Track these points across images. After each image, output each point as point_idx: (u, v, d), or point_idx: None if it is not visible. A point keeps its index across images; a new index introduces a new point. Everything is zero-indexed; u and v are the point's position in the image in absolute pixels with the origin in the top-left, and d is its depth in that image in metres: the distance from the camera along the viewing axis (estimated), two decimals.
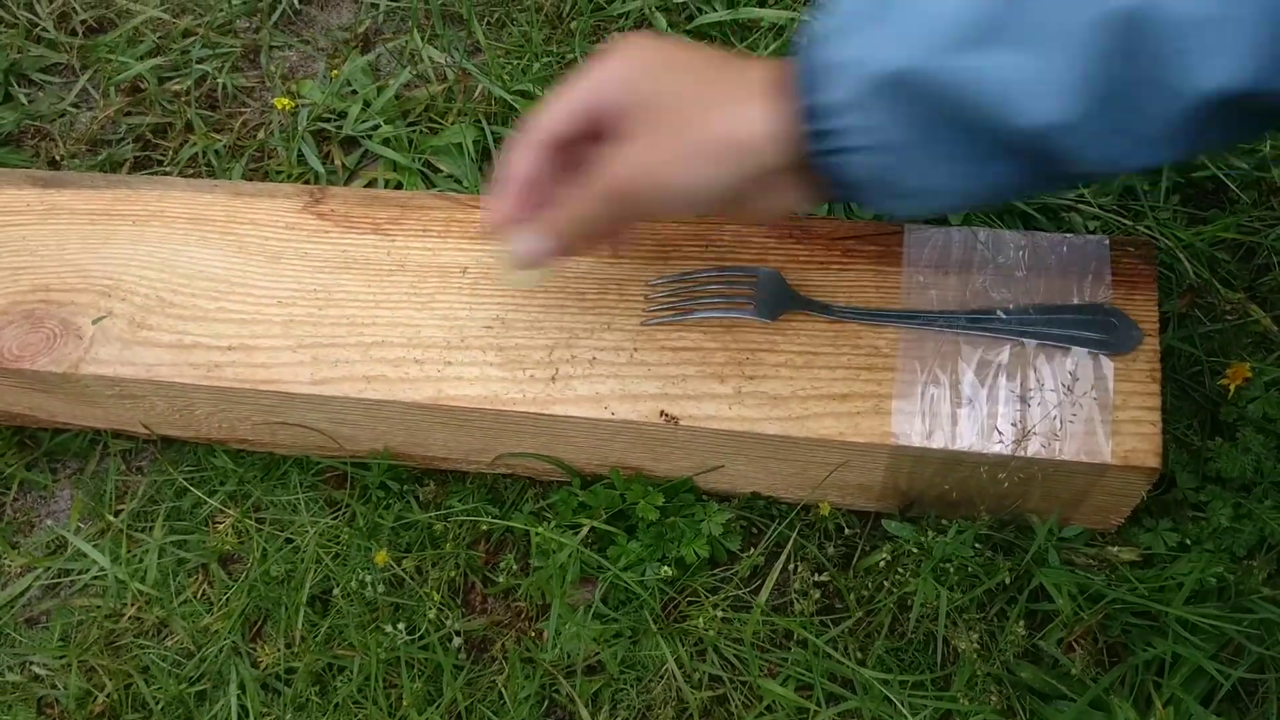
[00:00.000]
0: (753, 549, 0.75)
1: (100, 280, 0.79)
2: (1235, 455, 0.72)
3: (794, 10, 0.87)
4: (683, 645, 0.73)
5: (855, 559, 0.75)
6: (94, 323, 0.77)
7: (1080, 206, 0.81)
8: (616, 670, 0.74)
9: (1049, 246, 0.72)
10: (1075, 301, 0.70)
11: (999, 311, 0.70)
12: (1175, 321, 0.78)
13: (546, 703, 0.74)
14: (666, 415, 0.70)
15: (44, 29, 1.01)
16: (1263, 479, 0.71)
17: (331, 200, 0.80)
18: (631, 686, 0.73)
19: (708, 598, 0.74)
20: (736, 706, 0.72)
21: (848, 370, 0.70)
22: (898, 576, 0.71)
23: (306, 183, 0.91)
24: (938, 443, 0.67)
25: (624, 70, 0.57)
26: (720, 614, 0.73)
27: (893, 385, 0.69)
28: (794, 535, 0.75)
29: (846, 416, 0.69)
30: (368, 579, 0.75)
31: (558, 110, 0.59)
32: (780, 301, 0.71)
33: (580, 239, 0.62)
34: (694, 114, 0.54)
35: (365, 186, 0.90)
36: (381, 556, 0.75)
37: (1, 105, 0.99)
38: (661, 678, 0.73)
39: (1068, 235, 0.72)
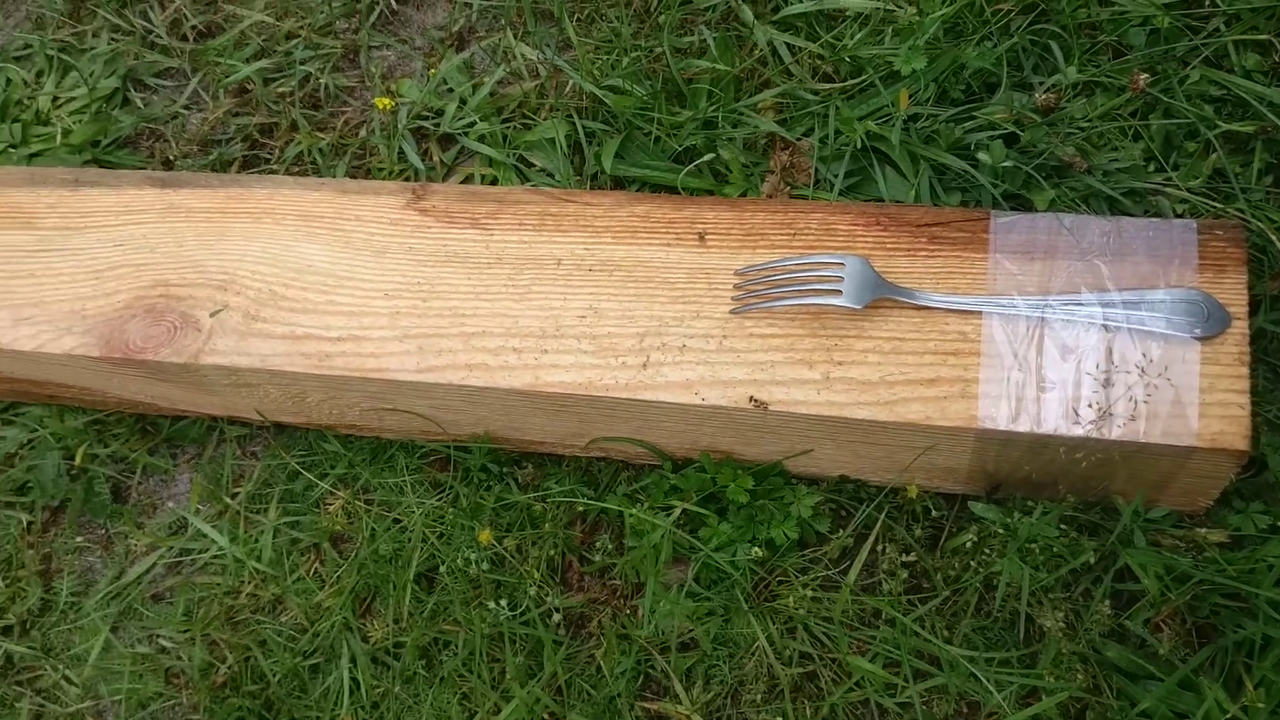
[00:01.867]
0: (841, 530, 0.77)
1: (216, 275, 0.83)
2: None
3: (879, 1, 0.88)
4: (773, 623, 0.76)
5: (942, 540, 0.76)
6: (211, 316, 0.82)
7: (1168, 190, 0.81)
8: (710, 647, 0.76)
9: (1135, 231, 0.72)
10: (1162, 285, 0.70)
11: (1084, 296, 0.70)
12: (1267, 304, 0.77)
13: (642, 677, 0.77)
14: (755, 401, 0.72)
15: (158, 35, 1.06)
16: None
17: (432, 196, 0.84)
18: (724, 663, 0.76)
19: (797, 578, 0.76)
20: (826, 682, 0.74)
21: (935, 355, 0.71)
22: (984, 557, 0.73)
23: (407, 179, 0.94)
24: (1023, 426, 0.68)
25: None
26: (810, 593, 0.75)
27: (979, 370, 0.70)
28: (882, 517, 0.77)
29: (933, 401, 0.70)
30: (472, 557, 0.78)
31: None
32: (867, 288, 0.73)
33: None
34: None
35: (463, 182, 0.93)
36: (485, 535, 0.78)
37: (120, 109, 1.04)
38: (753, 654, 0.75)
39: (1154, 219, 0.73)
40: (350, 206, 0.84)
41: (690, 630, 0.77)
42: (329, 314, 0.80)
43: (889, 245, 0.75)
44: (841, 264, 0.73)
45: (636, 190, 0.89)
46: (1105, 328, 0.70)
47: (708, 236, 0.78)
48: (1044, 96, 0.82)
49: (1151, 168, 0.82)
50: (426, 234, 0.82)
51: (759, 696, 0.74)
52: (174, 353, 0.81)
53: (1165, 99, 0.82)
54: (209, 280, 0.83)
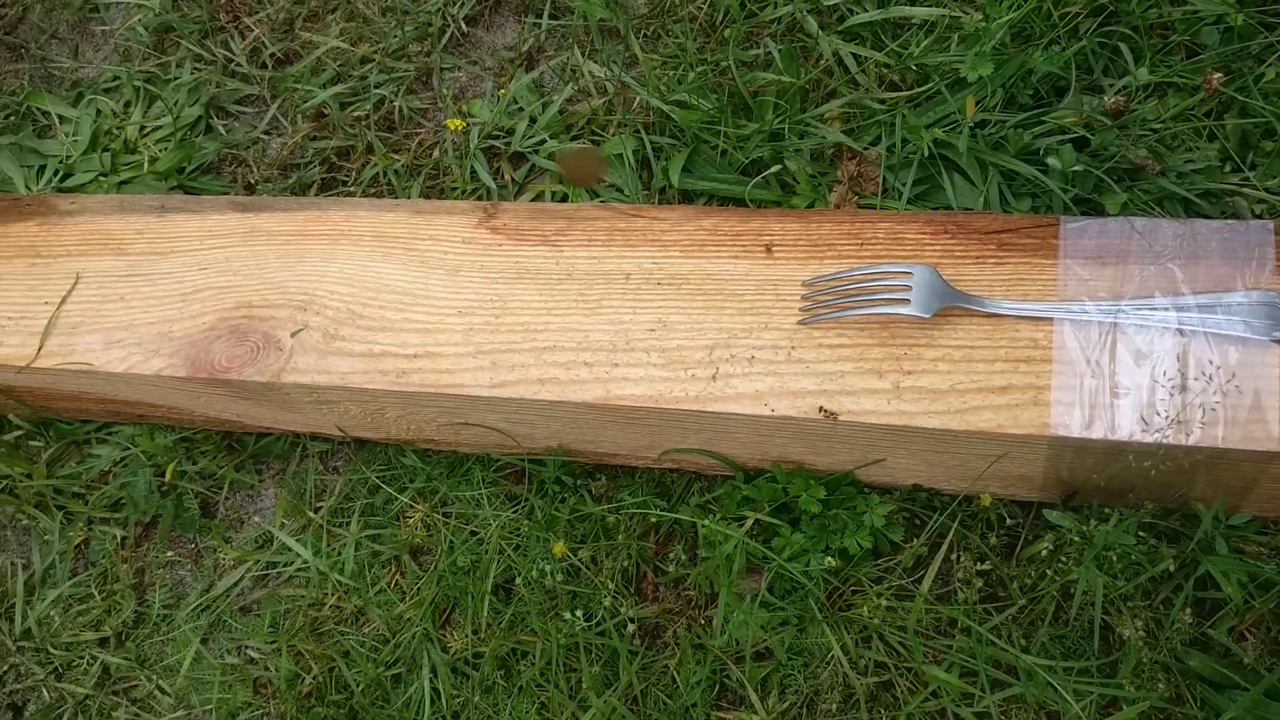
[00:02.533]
0: (915, 539, 0.77)
1: (296, 296, 0.86)
2: None
3: (944, 8, 0.88)
4: (848, 633, 0.76)
5: (1018, 549, 0.76)
6: (292, 335, 0.84)
7: (1245, 190, 0.79)
8: (784, 657, 0.76)
9: (1209, 233, 0.71)
10: (1238, 288, 0.69)
11: (1158, 301, 0.70)
12: None
13: (717, 687, 0.78)
14: (825, 411, 0.72)
15: (238, 64, 1.10)
16: None
17: (503, 215, 0.85)
18: (799, 672, 0.76)
19: (871, 587, 0.76)
20: (902, 692, 0.74)
21: (1006, 363, 0.71)
22: (1060, 565, 0.72)
23: (479, 198, 0.96)
24: (1097, 433, 0.68)
25: None
26: (884, 603, 0.75)
27: (1051, 377, 0.70)
28: (955, 525, 0.77)
29: (1005, 409, 0.70)
30: (547, 568, 0.79)
31: None
32: (936, 297, 0.73)
33: None
34: None
35: (534, 200, 0.95)
36: (560, 548, 0.79)
37: (203, 136, 1.08)
38: (828, 664, 0.75)
39: (1228, 221, 0.72)
40: (424, 226, 0.86)
41: (764, 640, 0.77)
42: (405, 331, 0.82)
43: (957, 253, 0.75)
44: (909, 273, 0.73)
45: (704, 204, 0.90)
46: (1180, 332, 0.69)
47: (775, 248, 0.78)
48: (1114, 99, 0.82)
49: (1228, 168, 0.81)
50: (498, 252, 0.84)
51: (834, 706, 0.74)
52: (257, 372, 0.84)
53: (1241, 98, 0.81)
54: (289, 301, 0.86)
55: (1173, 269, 0.71)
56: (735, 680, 0.77)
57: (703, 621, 0.80)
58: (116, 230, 0.93)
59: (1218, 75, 0.80)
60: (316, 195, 1.01)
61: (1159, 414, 0.67)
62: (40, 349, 0.89)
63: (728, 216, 0.81)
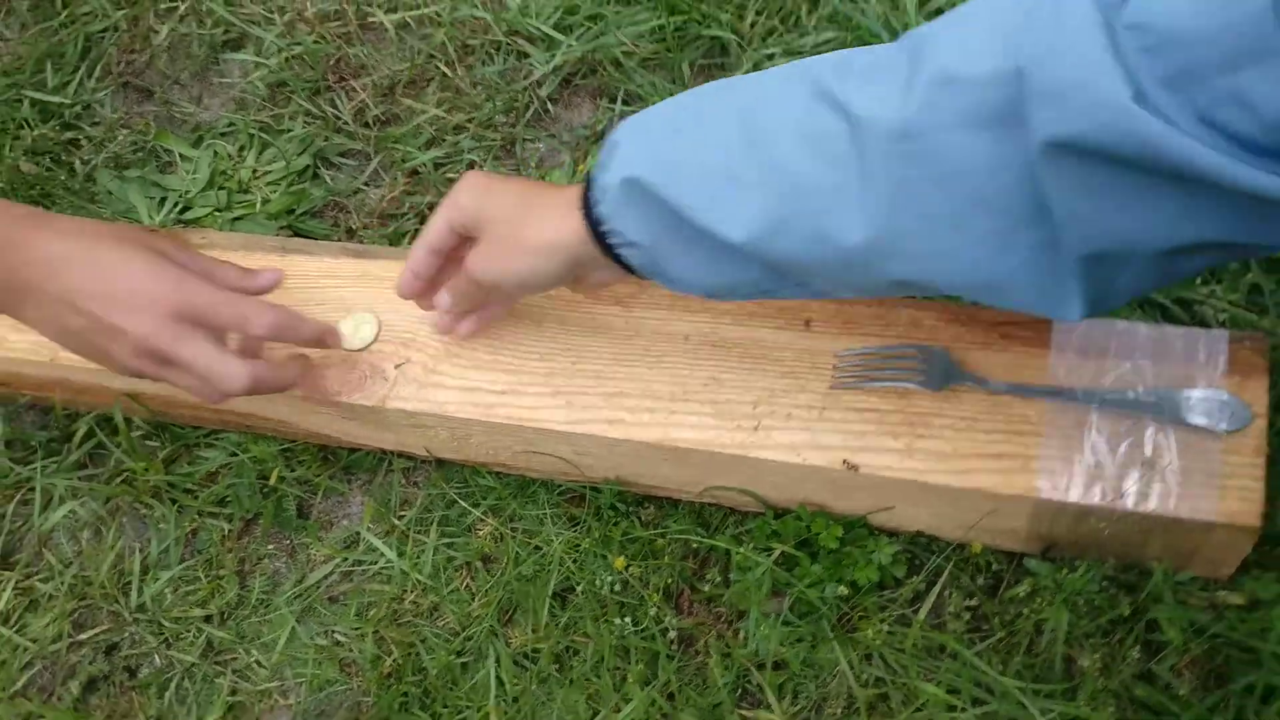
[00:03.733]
0: (915, 577, 0.92)
1: (402, 333, 1.01)
2: None
3: None
4: (853, 651, 0.90)
5: (1001, 590, 0.90)
6: (396, 368, 0.99)
7: (1211, 301, 0.95)
8: (798, 668, 0.91)
9: (1175, 337, 0.86)
10: (1196, 385, 0.84)
11: (1130, 391, 0.84)
12: None
13: (741, 690, 0.92)
14: (848, 464, 0.87)
15: (344, 121, 1.25)
16: None
17: None
18: (810, 681, 0.90)
19: (876, 614, 0.91)
20: (896, 704, 0.88)
21: (1002, 434, 0.86)
22: (1035, 605, 0.87)
23: None
24: (1073, 497, 0.83)
25: (467, 198, 0.85)
26: (886, 628, 0.90)
27: (1038, 448, 0.85)
28: (949, 567, 0.91)
29: (999, 473, 0.85)
30: (606, 579, 0.94)
31: (429, 229, 0.89)
32: (947, 374, 0.87)
33: (465, 306, 0.94)
34: (519, 224, 0.81)
35: None
36: (620, 562, 0.94)
37: (311, 183, 1.23)
38: (835, 676, 0.90)
39: (1192, 329, 0.87)
40: None
41: (783, 653, 0.92)
42: (494, 370, 0.97)
43: (966, 339, 0.90)
44: (925, 353, 0.88)
45: None
46: (1146, 419, 0.83)
47: (813, 323, 0.93)
48: None
49: (1199, 280, 0.96)
50: (577, 308, 0.99)
51: (839, 711, 0.89)
52: (364, 397, 0.98)
53: None
54: (395, 337, 1.01)
55: (1144, 365, 0.86)
56: (756, 685, 0.91)
57: (731, 634, 0.94)
58: (245, 263, 1.08)
59: None
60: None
61: (1125, 485, 0.82)
62: None
63: None
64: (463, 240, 0.87)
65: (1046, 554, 0.90)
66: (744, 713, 0.91)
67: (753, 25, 1.17)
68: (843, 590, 0.91)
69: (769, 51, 1.14)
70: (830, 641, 0.91)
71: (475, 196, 0.84)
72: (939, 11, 1.08)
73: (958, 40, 0.63)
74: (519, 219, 0.81)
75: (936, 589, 0.91)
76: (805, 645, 0.92)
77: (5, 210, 0.90)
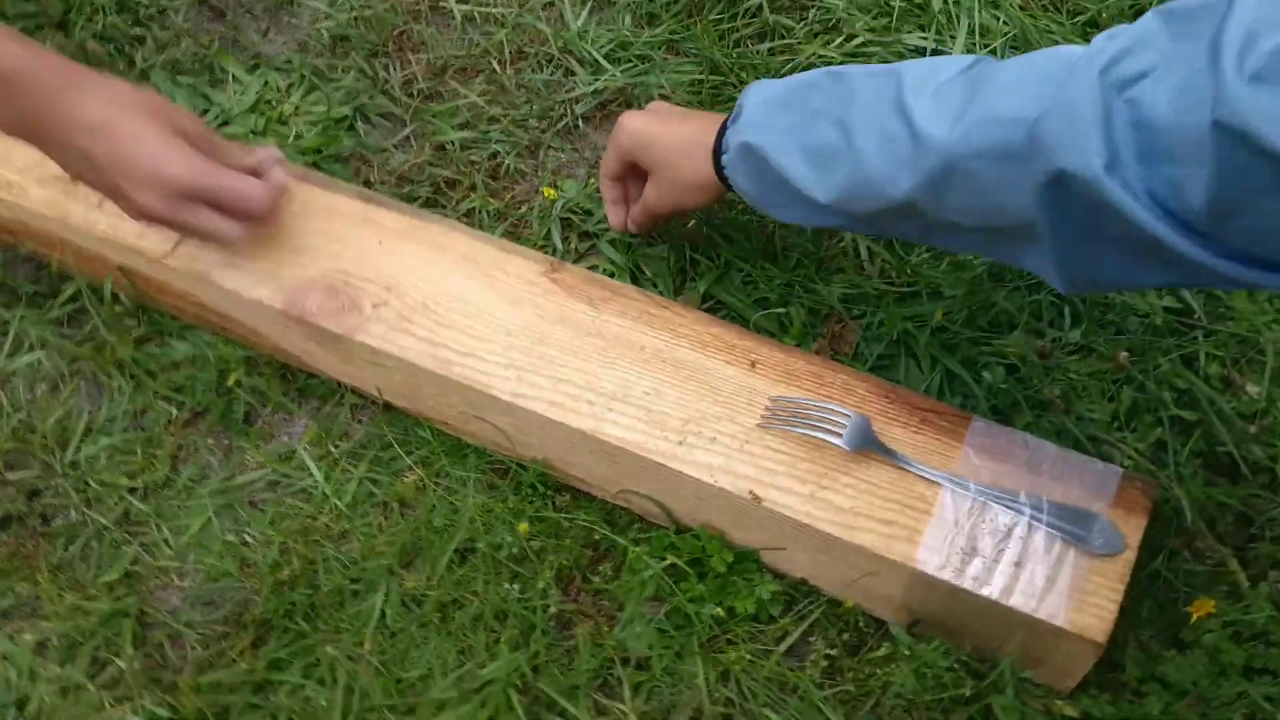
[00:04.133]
0: (788, 618, 0.97)
1: (387, 279, 1.07)
2: (1182, 667, 0.91)
3: None
4: (714, 669, 0.95)
5: (862, 651, 0.96)
6: (373, 306, 1.06)
7: (1121, 445, 1.02)
8: (659, 671, 0.96)
9: (1075, 463, 0.93)
10: (1084, 507, 0.91)
11: (1022, 496, 0.91)
12: (1167, 553, 0.98)
13: (602, 679, 0.97)
14: (754, 494, 0.94)
15: (391, 87, 1.33)
16: (1196, 689, 0.90)
17: (565, 272, 1.07)
18: (667, 687, 0.96)
19: (743, 642, 0.96)
20: None
21: (897, 505, 0.92)
22: (888, 670, 0.92)
23: (548, 254, 1.18)
24: (946, 576, 0.89)
25: (629, 141, 1.06)
26: (749, 656, 0.95)
27: (926, 525, 0.91)
28: (821, 616, 0.97)
29: (885, 537, 0.91)
30: (508, 542, 1.00)
31: (606, 164, 1.12)
32: (863, 440, 0.94)
33: (644, 229, 1.14)
34: (677, 168, 1.03)
35: (589, 269, 1.17)
36: (524, 527, 1.00)
37: (345, 132, 1.31)
38: (691, 688, 0.95)
39: (1093, 459, 0.94)
40: (502, 260, 1.08)
41: (649, 655, 0.97)
42: (462, 334, 1.04)
43: (890, 415, 0.97)
44: (849, 416, 0.95)
45: (720, 314, 1.12)
46: (1030, 524, 0.90)
47: (758, 366, 1.00)
48: (1045, 345, 1.05)
49: (1115, 425, 1.04)
50: (551, 298, 1.06)
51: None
52: (337, 324, 1.05)
53: (1139, 377, 1.04)
54: (380, 280, 1.07)
55: (1042, 478, 0.93)
56: (616, 678, 0.97)
57: (607, 626, 0.99)
58: None
59: (1125, 354, 1.03)
60: (424, 209, 1.23)
61: (995, 577, 0.88)
62: (174, 249, 1.10)
63: (730, 331, 1.03)
64: (627, 164, 1.09)
65: (912, 629, 0.96)
66: (598, 698, 0.96)
67: None
68: (719, 612, 0.97)
69: None
70: (695, 655, 0.96)
71: (638, 141, 1.05)
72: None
73: (1012, 83, 0.76)
74: (676, 163, 1.02)
75: (801, 629, 0.97)
76: (671, 653, 0.97)
77: (55, 68, 0.98)
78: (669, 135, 1.03)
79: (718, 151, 0.97)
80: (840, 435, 0.94)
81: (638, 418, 0.98)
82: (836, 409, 0.96)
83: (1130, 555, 0.89)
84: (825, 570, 0.96)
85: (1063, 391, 1.04)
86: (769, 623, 0.98)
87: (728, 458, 0.96)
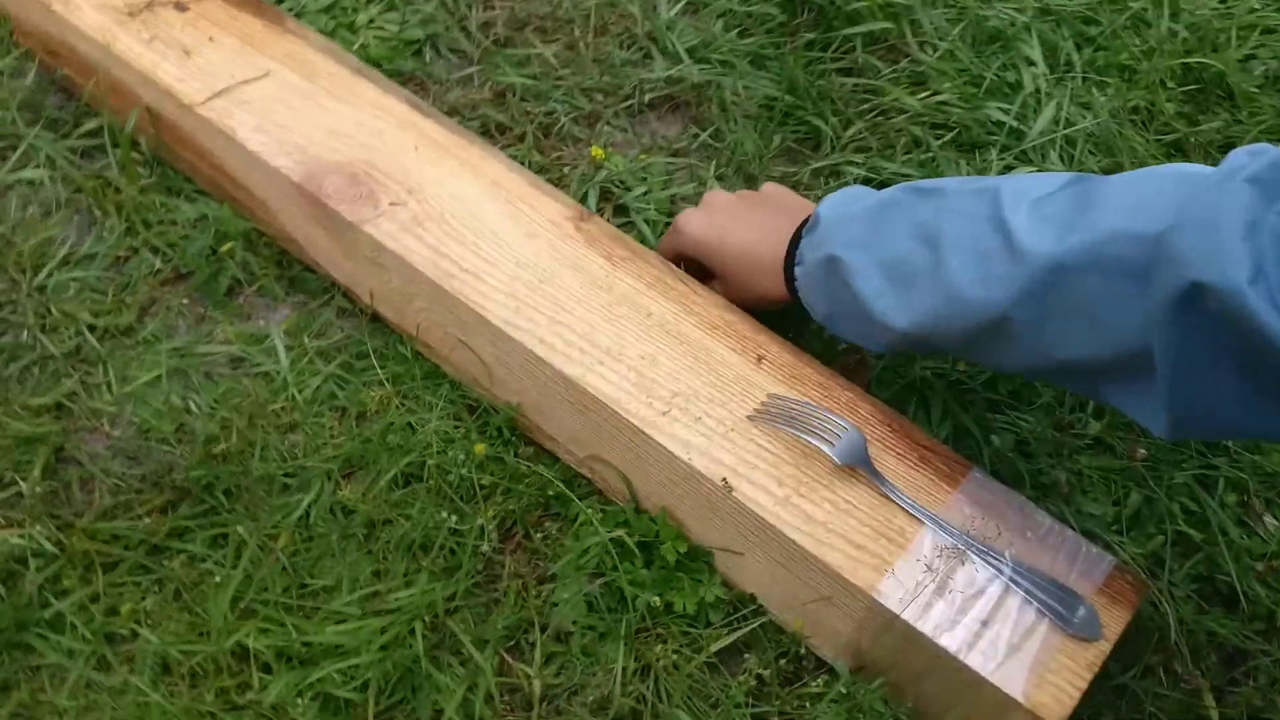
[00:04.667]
0: (726, 628, 0.90)
1: (412, 182, 1.03)
2: None
3: None
4: (634, 660, 0.88)
5: (796, 683, 0.88)
6: (390, 204, 1.01)
7: (1117, 545, 0.95)
8: (577, 648, 0.89)
9: (1069, 538, 0.87)
10: (1069, 583, 0.84)
11: (1007, 554, 0.85)
12: (1141, 668, 0.90)
13: (515, 640, 0.90)
14: (726, 483, 0.87)
15: (469, 25, 1.31)
16: None
17: (593, 224, 1.03)
18: (580, 665, 0.88)
19: (674, 639, 0.89)
20: None
21: (872, 531, 0.86)
22: (819, 706, 0.85)
23: None
24: (907, 615, 0.82)
25: (693, 246, 1.01)
26: (675, 655, 0.88)
27: (898, 559, 0.84)
28: (762, 633, 0.90)
29: (852, 559, 0.84)
30: (459, 460, 0.93)
31: (663, 252, 1.04)
32: (854, 456, 0.88)
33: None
34: (748, 278, 0.98)
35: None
36: (480, 448, 0.93)
37: (412, 56, 1.28)
38: (606, 672, 0.87)
39: (1089, 541, 0.87)
40: (531, 195, 1.04)
41: (571, 630, 0.90)
42: (471, 252, 0.99)
43: (888, 443, 0.91)
44: (846, 429, 0.89)
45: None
46: (1009, 586, 0.83)
47: (764, 362, 0.95)
48: (1064, 417, 0.99)
49: (1115, 526, 0.97)
50: (571, 243, 1.01)
51: (590, 704, 0.86)
52: (349, 211, 1.00)
53: (1150, 485, 0.98)
54: (404, 182, 1.03)
55: (1031, 544, 0.86)
56: (531, 642, 0.89)
57: (535, 589, 0.92)
58: (317, 63, 1.12)
59: (1143, 452, 0.97)
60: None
61: (958, 630, 0.81)
62: (207, 100, 1.06)
63: (744, 322, 0.97)
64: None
65: (855, 673, 0.88)
66: (506, 656, 0.89)
67: (852, 138, 1.22)
68: (656, 603, 0.90)
69: (851, 159, 1.19)
70: (620, 641, 0.89)
71: (701, 249, 1.01)
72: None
73: (1129, 197, 0.71)
74: (748, 274, 0.98)
75: (737, 637, 0.89)
76: (595, 634, 0.90)
77: None
78: (735, 243, 0.98)
79: (790, 262, 0.93)
80: (832, 445, 0.88)
81: (626, 377, 0.92)
82: (834, 418, 0.90)
83: (1105, 647, 0.82)
84: (780, 587, 0.89)
85: (1070, 478, 0.98)
86: (706, 627, 0.90)
87: (709, 439, 0.89)
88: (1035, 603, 0.83)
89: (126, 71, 1.10)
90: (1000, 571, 0.84)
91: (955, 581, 0.84)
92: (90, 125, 1.16)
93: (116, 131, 1.13)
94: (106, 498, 0.94)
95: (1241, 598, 0.94)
